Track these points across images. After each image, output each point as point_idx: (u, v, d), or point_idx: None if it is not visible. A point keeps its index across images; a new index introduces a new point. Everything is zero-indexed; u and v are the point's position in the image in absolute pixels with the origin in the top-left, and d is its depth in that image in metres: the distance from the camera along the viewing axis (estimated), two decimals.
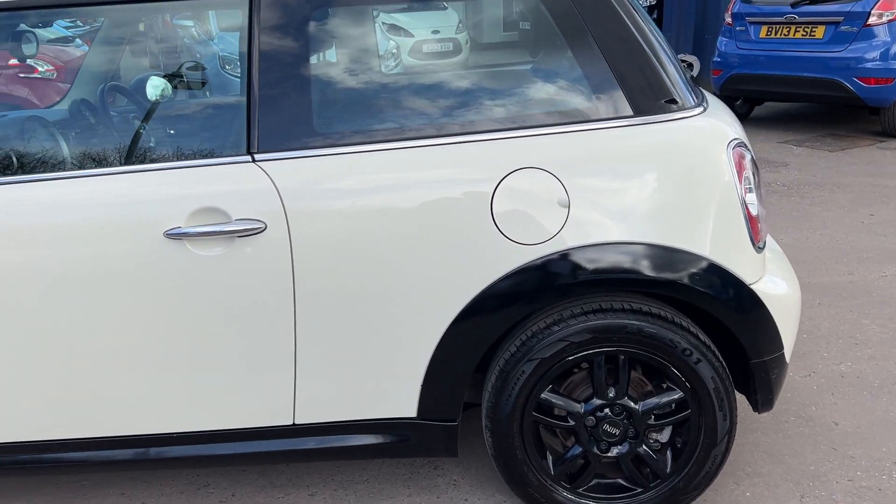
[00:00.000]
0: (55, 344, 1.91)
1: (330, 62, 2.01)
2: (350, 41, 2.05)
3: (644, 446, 2.03)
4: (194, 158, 1.92)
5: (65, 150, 2.19)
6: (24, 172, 1.97)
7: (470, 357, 1.96)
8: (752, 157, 2.04)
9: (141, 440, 2.03)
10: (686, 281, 1.88)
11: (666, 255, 1.89)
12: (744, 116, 7.41)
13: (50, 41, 6.69)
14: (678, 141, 1.91)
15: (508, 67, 2.08)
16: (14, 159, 2.26)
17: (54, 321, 1.89)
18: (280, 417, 2.03)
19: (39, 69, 5.99)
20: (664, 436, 2.07)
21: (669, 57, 2.00)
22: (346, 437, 2.05)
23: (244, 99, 1.92)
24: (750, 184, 1.97)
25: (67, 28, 7.26)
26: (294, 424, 2.04)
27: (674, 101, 1.94)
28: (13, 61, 6.04)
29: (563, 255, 1.87)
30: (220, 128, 1.96)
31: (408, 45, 8.59)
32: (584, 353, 1.95)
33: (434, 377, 1.98)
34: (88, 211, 1.87)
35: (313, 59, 1.92)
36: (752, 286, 1.93)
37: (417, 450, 2.08)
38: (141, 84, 3.10)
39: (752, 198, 1.96)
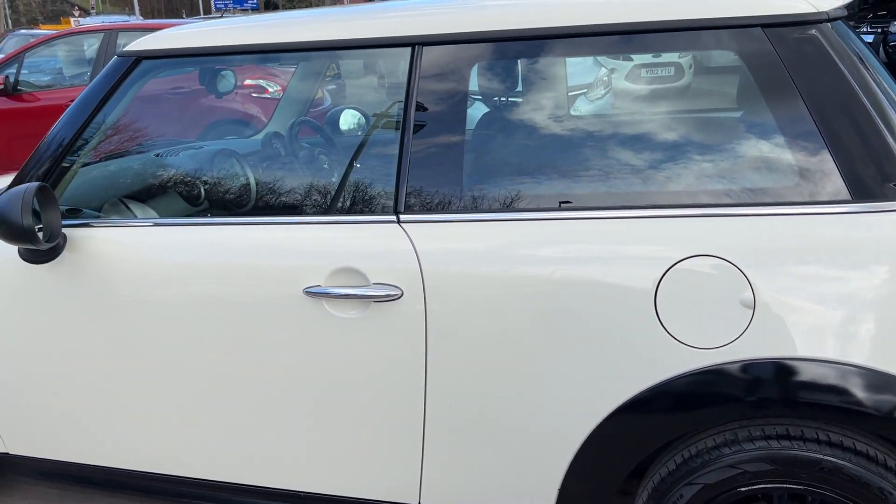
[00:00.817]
0: (190, 379, 1.91)
1: (488, 123, 1.82)
2: (533, 95, 1.85)
3: None
4: (342, 214, 1.83)
5: (250, 184, 2.22)
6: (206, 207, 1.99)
7: (616, 470, 1.67)
8: None
9: (261, 492, 1.97)
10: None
11: (883, 382, 1.48)
12: None
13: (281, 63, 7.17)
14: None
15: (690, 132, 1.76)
16: (202, 191, 2.32)
17: (193, 353, 1.89)
18: (405, 496, 1.87)
19: (270, 90, 6.42)
20: None
21: None
22: None
23: (396, 154, 1.79)
24: None
25: None
26: None
27: None
28: (248, 81, 6.56)
29: (742, 367, 1.53)
30: (375, 184, 1.86)
31: (625, 69, 8.20)
32: (761, 485, 1.59)
33: (572, 486, 1.71)
34: (236, 255, 1.84)
35: (470, 119, 1.75)
36: None
37: None
38: (334, 117, 3.13)
39: None
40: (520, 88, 1.90)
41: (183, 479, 2.05)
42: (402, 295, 1.71)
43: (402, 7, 1.96)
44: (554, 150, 1.80)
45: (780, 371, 1.51)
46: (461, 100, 1.74)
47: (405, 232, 1.73)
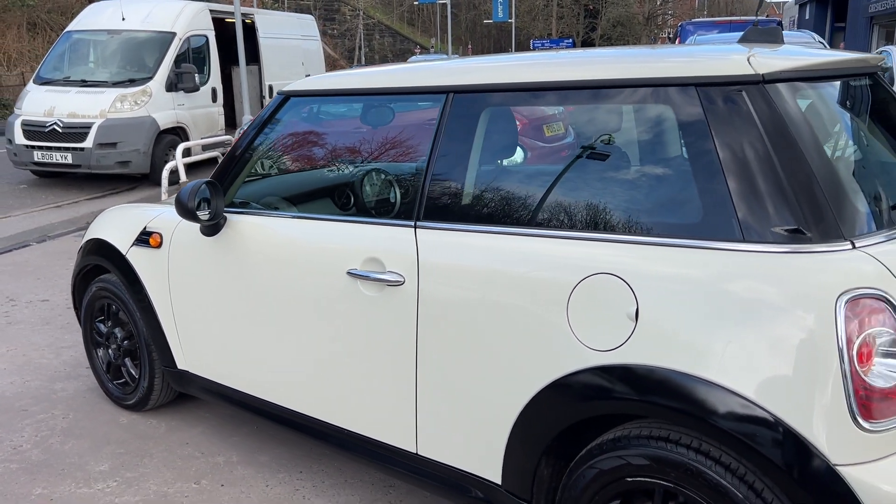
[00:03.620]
0: (285, 329, 2.62)
1: (492, 155, 2.25)
2: (501, 139, 2.27)
3: None
4: (379, 216, 2.40)
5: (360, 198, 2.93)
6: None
7: (538, 441, 2.01)
8: None
9: (311, 421, 2.61)
10: (736, 430, 1.64)
11: (723, 399, 1.67)
12: None
13: None
14: (773, 278, 1.66)
15: (617, 170, 2.00)
16: (351, 198, 3.05)
17: (287, 310, 2.60)
18: (406, 443, 2.37)
19: None
20: None
21: (827, 179, 1.73)
22: (450, 480, 2.29)
23: (423, 174, 2.32)
24: (883, 346, 1.59)
25: None
26: (417, 454, 2.36)
27: (799, 232, 1.69)
28: None
29: (622, 369, 1.81)
30: (404, 195, 2.41)
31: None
32: (642, 478, 1.83)
33: (512, 450, 2.09)
34: (298, 247, 2.52)
35: (475, 151, 2.22)
36: (838, 467, 1.56)
37: None
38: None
39: (882, 365, 1.58)
40: (486, 137, 2.29)
41: (276, 405, 2.76)
42: (404, 282, 2.23)
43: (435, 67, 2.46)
44: (517, 184, 2.17)
45: (649, 377, 1.77)
46: (471, 136, 2.22)
47: (415, 235, 2.25)
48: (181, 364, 3.15)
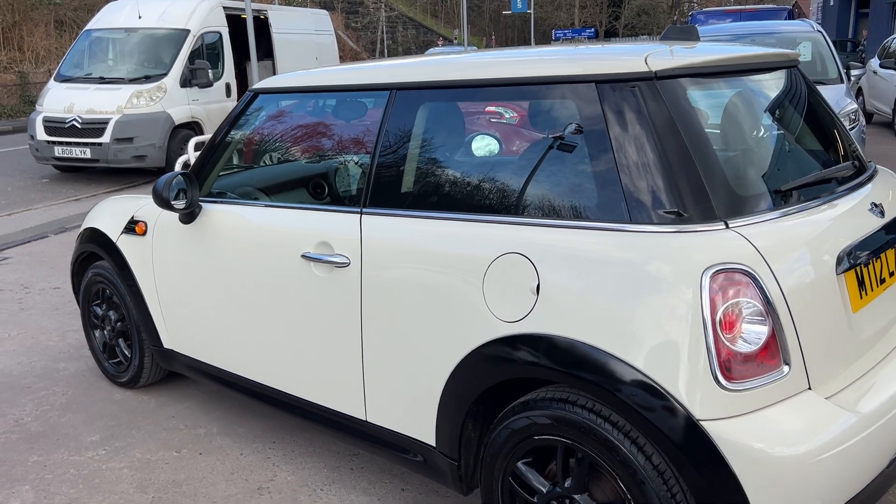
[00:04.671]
0: (249, 305, 2.86)
1: (427, 147, 2.45)
2: (445, 129, 2.47)
3: None
4: (332, 204, 2.62)
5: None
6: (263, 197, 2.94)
7: (461, 405, 2.22)
8: (781, 285, 1.80)
9: (278, 394, 2.85)
10: (612, 388, 1.84)
11: (605, 362, 1.86)
12: None
13: None
14: (653, 255, 1.84)
15: (528, 160, 2.20)
16: (311, 188, 3.27)
17: (252, 288, 2.83)
18: (357, 411, 2.60)
19: (506, 115, 7.31)
20: None
21: (706, 166, 1.91)
22: (395, 444, 2.51)
23: (370, 164, 2.53)
24: (746, 316, 1.77)
25: None
26: (367, 421, 2.58)
27: (679, 214, 1.87)
28: (490, 108, 7.51)
29: (525, 338, 2.01)
30: (357, 184, 2.61)
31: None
32: (547, 437, 2.03)
33: (442, 413, 2.30)
34: (260, 233, 2.75)
35: (413, 143, 2.42)
36: (702, 421, 1.75)
37: (439, 477, 2.41)
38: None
39: (745, 331, 1.77)
40: (431, 131, 2.48)
41: (247, 379, 3.00)
42: (350, 263, 2.45)
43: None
44: (447, 174, 2.36)
45: (545, 344, 1.97)
46: (412, 128, 2.43)
47: (360, 222, 2.46)
48: (167, 343, 3.40)
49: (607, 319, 1.88)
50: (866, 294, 2.10)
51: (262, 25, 12.91)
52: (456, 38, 50.02)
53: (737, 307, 1.78)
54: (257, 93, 3.04)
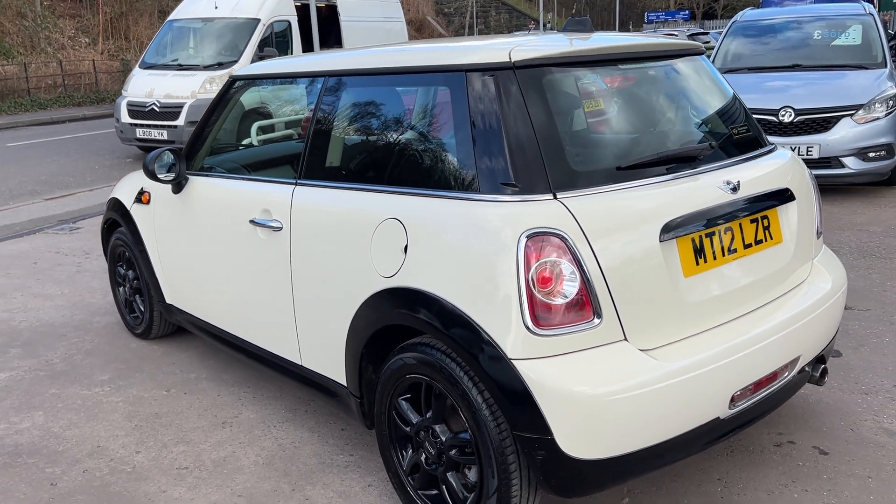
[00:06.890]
0: (217, 262, 3.31)
1: (340, 128, 2.80)
2: (366, 109, 2.81)
3: (452, 475, 2.32)
4: (274, 178, 3.02)
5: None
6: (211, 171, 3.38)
7: (356, 348, 2.58)
8: (592, 248, 2.07)
9: (243, 342, 3.29)
10: (450, 333, 2.17)
11: (444, 309, 2.20)
12: None
13: None
14: (490, 220, 2.14)
15: (409, 138, 2.53)
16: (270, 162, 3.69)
17: (217, 247, 3.27)
18: (294, 356, 3.00)
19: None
20: (473, 475, 2.30)
21: (547, 145, 2.19)
22: (322, 386, 2.90)
23: (306, 141, 2.91)
24: (556, 274, 2.05)
25: None
26: (302, 365, 2.98)
27: (513, 185, 2.16)
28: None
29: (395, 290, 2.35)
30: (294, 163, 3.02)
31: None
32: (415, 375, 2.37)
33: (348, 356, 2.67)
34: (223, 200, 3.17)
35: (338, 123, 2.78)
36: (513, 360, 2.05)
37: (349, 413, 2.78)
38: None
39: (557, 286, 2.05)
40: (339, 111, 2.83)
41: (222, 329, 3.45)
42: (283, 227, 2.85)
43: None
44: (357, 151, 2.71)
45: (406, 295, 2.30)
46: (336, 110, 2.79)
47: (293, 192, 2.85)
48: (168, 299, 3.91)
49: (452, 275, 2.20)
50: (705, 262, 2.32)
51: (333, 13, 13.49)
52: (548, 23, 49.63)
53: (548, 265, 2.07)
54: (234, 79, 3.47)
